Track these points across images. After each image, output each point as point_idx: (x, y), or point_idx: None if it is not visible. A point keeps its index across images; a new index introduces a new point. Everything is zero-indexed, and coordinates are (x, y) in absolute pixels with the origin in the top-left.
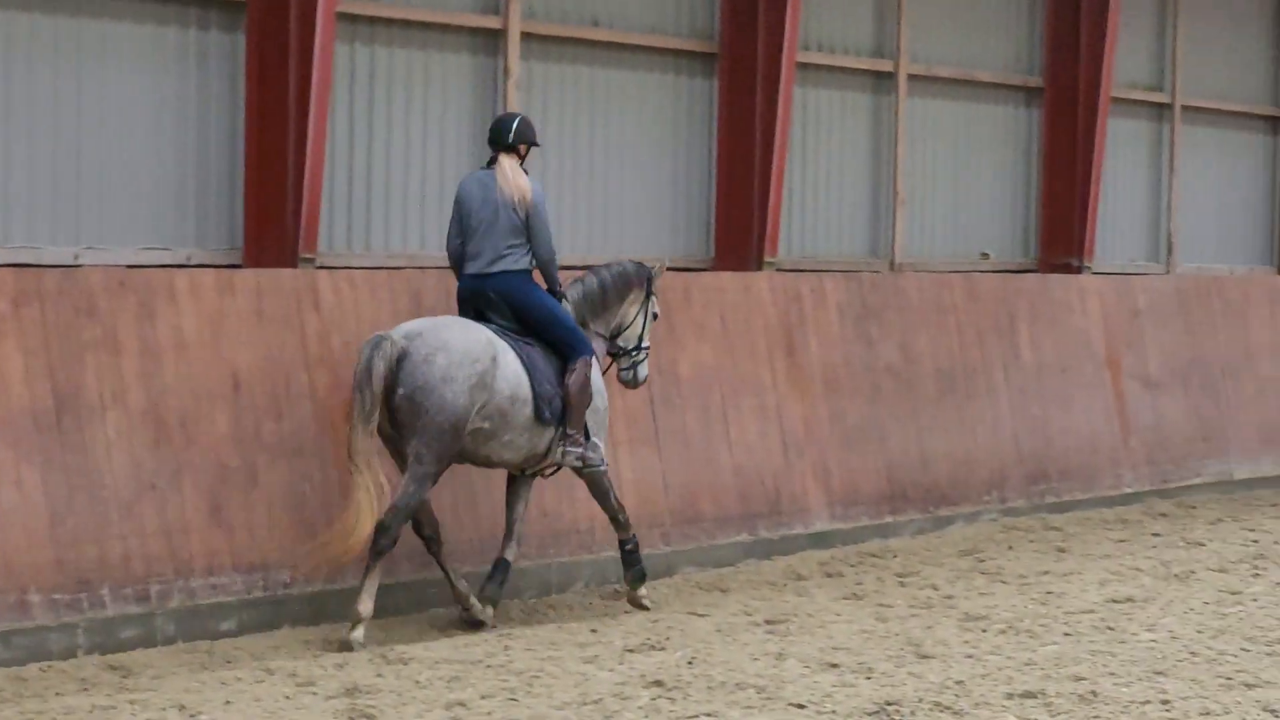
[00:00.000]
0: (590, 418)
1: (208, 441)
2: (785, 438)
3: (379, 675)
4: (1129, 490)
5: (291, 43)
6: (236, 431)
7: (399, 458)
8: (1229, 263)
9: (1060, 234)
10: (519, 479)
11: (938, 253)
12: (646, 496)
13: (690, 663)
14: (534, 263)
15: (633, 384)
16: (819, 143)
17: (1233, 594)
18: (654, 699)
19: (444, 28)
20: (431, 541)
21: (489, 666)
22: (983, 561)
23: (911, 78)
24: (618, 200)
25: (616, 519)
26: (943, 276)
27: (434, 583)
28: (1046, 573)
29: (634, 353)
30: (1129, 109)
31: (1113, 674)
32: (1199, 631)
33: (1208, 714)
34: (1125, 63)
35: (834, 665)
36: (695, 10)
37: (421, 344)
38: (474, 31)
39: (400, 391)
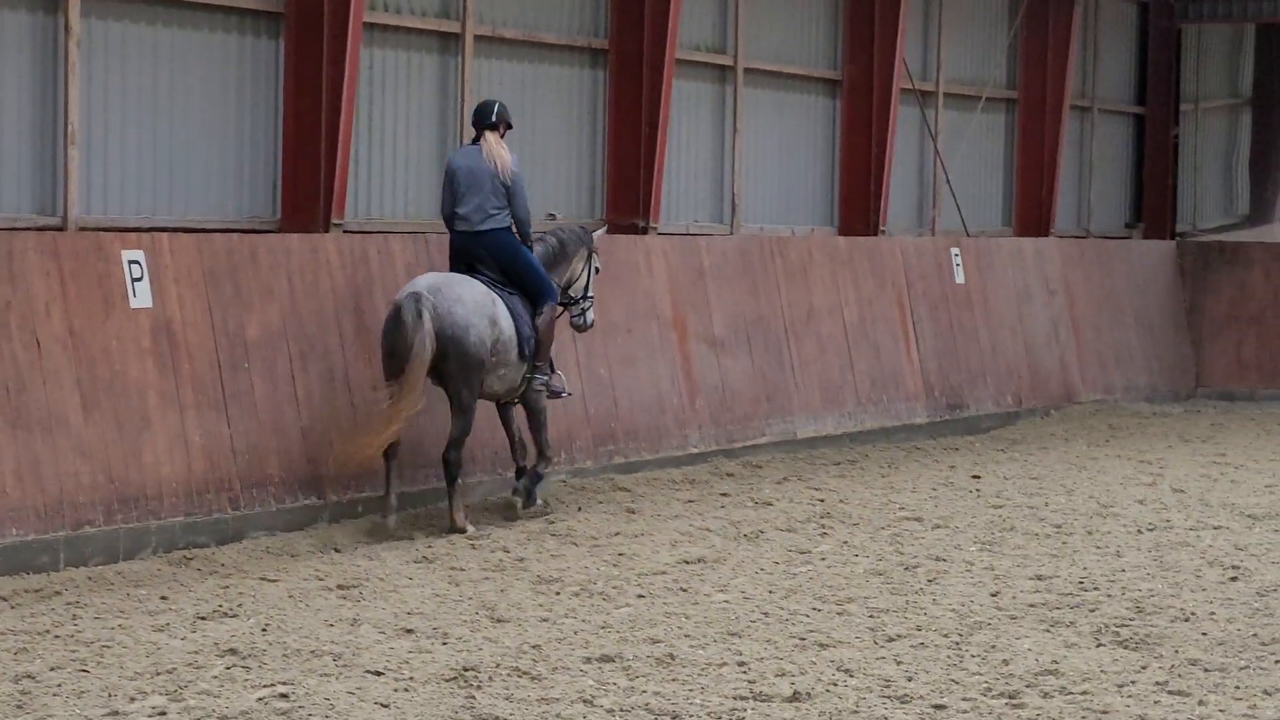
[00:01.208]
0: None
1: None
2: (354, 400)
3: None
4: (695, 450)
5: None
6: None
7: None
8: (791, 223)
9: (626, 195)
10: (505, 407)
11: None
12: (214, 460)
13: (264, 630)
14: (516, 218)
15: (583, 328)
16: (386, 104)
17: (801, 553)
18: (228, 668)
19: None
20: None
21: (57, 637)
22: (553, 523)
23: (478, 39)
24: (184, 162)
25: (543, 451)
26: None
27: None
28: (618, 534)
29: (582, 301)
30: (693, 71)
31: (688, 636)
32: (770, 591)
33: (783, 674)
34: (689, 24)
35: (409, 631)
36: None
37: (442, 298)
38: None
39: (439, 341)
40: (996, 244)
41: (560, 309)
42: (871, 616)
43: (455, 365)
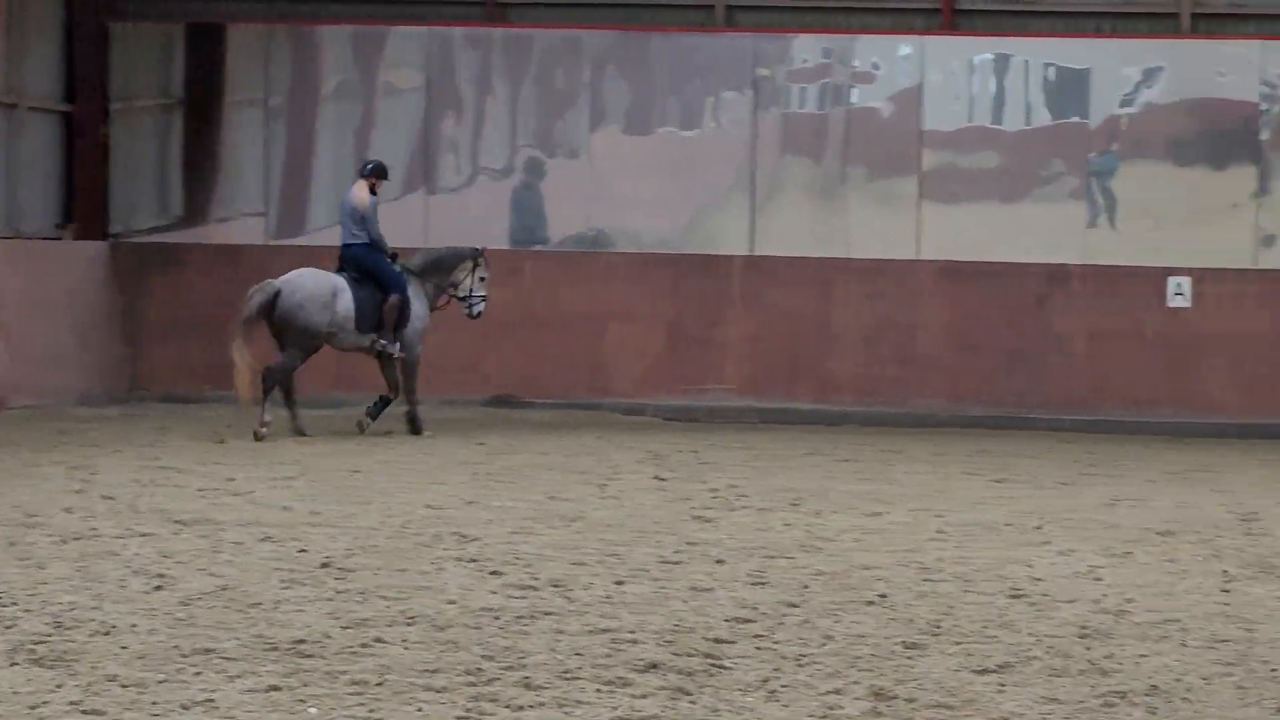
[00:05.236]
0: (411, 327)
1: None
2: None
3: None
4: None
5: None
6: None
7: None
8: None
9: None
10: (381, 358)
11: None
12: None
13: None
14: (370, 239)
15: (472, 316)
16: None
17: None
18: None
19: None
20: (289, 394)
21: None
22: None
23: None
24: None
25: (400, 387)
26: None
27: None
28: None
29: (468, 298)
30: None
31: None
32: None
33: None
34: None
35: None
36: None
37: (288, 286)
38: None
39: (276, 314)
40: None
41: (447, 300)
42: None
43: (289, 332)
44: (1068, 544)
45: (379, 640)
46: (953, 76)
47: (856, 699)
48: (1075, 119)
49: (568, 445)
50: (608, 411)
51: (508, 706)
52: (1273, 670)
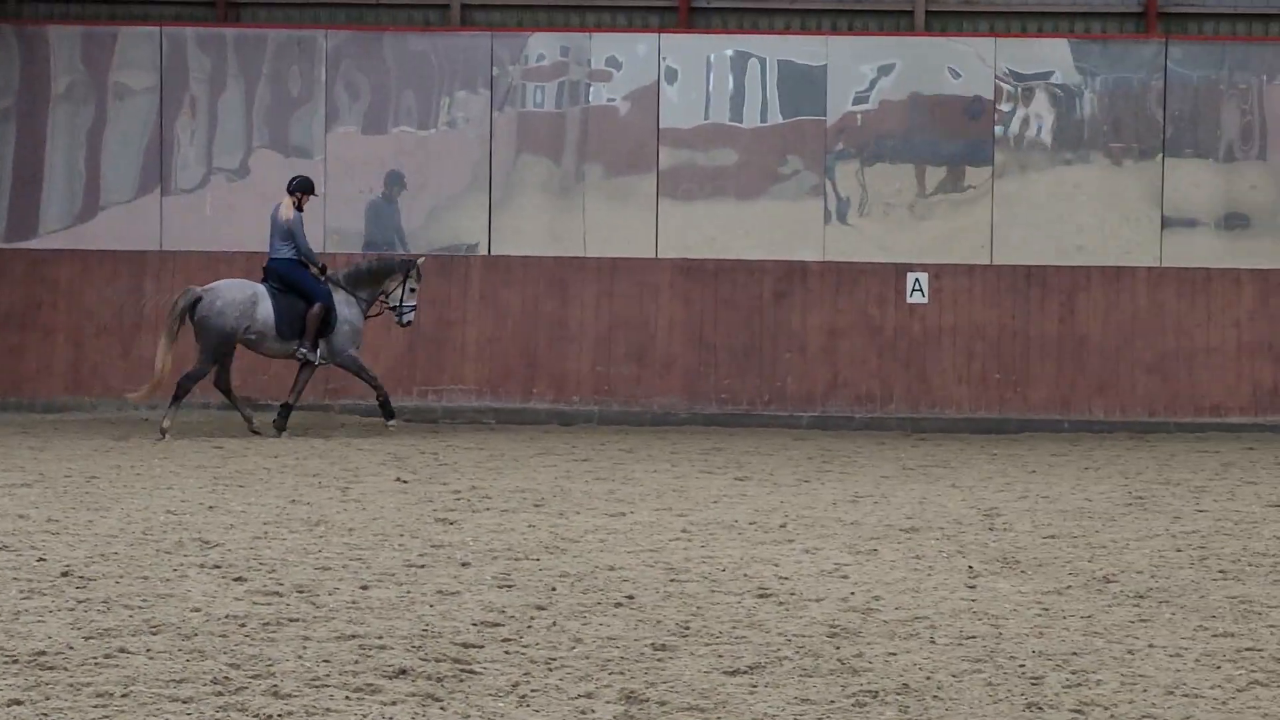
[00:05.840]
0: (339, 331)
1: None
2: None
3: None
4: None
5: None
6: None
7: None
8: None
9: None
10: (300, 363)
11: None
12: None
13: None
14: (298, 253)
15: (400, 325)
16: None
17: None
18: None
19: None
20: (228, 392)
21: None
22: None
23: None
24: None
25: (375, 388)
26: None
27: None
28: None
29: (399, 308)
30: None
31: None
32: None
33: None
34: None
35: None
36: None
37: (209, 294)
38: None
39: (195, 318)
40: None
41: (380, 310)
42: None
43: (202, 336)
44: (812, 542)
45: (123, 650)
46: (690, 74)
47: (608, 702)
48: (812, 116)
49: (305, 448)
50: (345, 414)
51: (256, 716)
52: (1020, 666)
